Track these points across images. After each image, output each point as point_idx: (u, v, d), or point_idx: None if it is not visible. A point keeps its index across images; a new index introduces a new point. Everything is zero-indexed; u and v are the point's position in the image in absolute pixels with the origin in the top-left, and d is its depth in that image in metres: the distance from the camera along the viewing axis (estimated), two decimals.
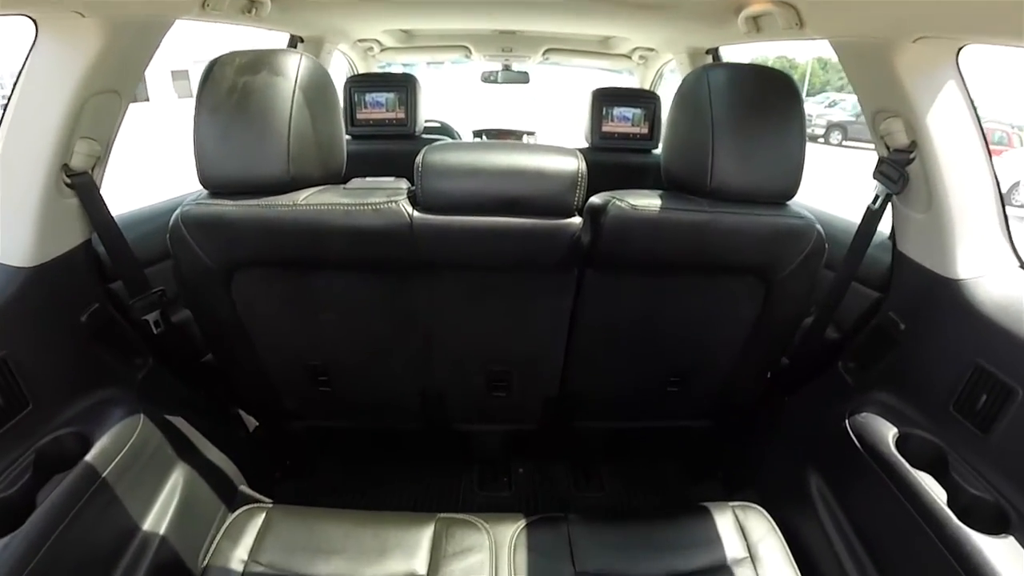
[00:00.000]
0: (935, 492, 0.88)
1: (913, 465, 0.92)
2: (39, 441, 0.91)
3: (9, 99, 0.89)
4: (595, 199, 0.99)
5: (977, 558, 0.77)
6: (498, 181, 0.92)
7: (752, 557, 0.99)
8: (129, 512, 0.96)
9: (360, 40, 2.33)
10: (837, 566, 1.01)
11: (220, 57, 0.91)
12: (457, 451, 1.62)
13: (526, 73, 2.86)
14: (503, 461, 1.63)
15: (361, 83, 1.99)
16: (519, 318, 1.11)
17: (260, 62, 0.89)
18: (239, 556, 0.97)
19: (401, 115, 2.00)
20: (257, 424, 1.49)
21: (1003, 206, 1.01)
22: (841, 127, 14.12)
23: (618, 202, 0.94)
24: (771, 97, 0.95)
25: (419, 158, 0.92)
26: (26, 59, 0.88)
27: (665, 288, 1.08)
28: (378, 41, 2.38)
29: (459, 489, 1.57)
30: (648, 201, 0.95)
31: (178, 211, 0.93)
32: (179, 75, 23.49)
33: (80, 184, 0.96)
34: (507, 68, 2.87)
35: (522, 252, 0.98)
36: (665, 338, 1.17)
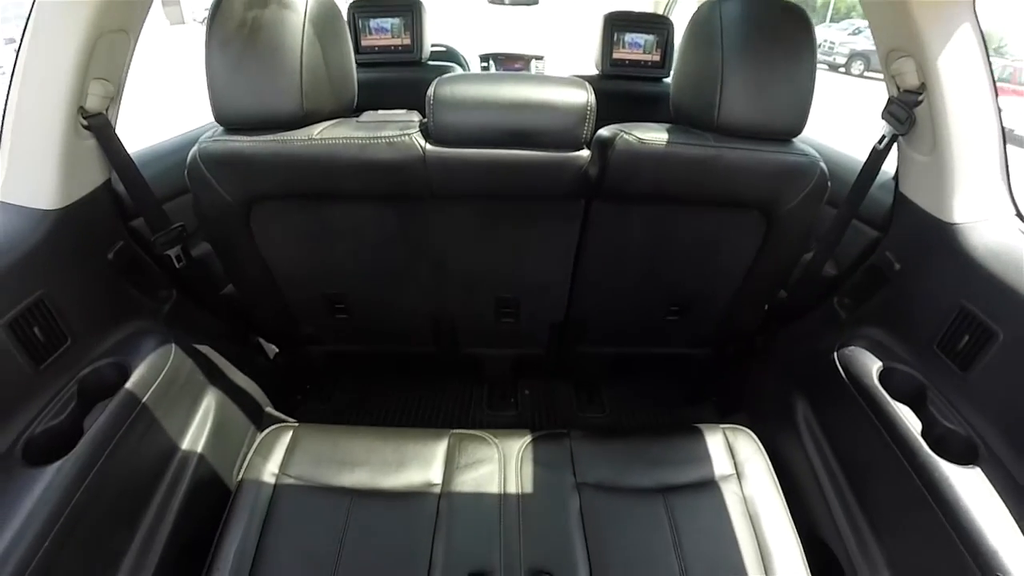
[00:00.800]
0: (912, 423, 0.93)
1: (894, 397, 0.98)
2: (80, 372, 0.97)
3: (20, 45, 0.89)
4: (603, 132, 1.00)
5: (944, 485, 0.83)
6: (508, 114, 0.94)
7: (738, 475, 1.08)
8: (168, 434, 1.04)
9: None
10: (816, 486, 1.10)
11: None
12: (468, 374, 1.71)
13: None
14: (511, 383, 1.72)
15: (365, 8, 1.91)
16: (527, 247, 1.16)
17: None
18: (270, 470, 1.06)
19: (407, 41, 1.94)
20: (277, 351, 1.58)
21: (1006, 154, 1.01)
22: (864, 56, 13.41)
23: (626, 136, 0.96)
24: (783, 32, 0.94)
25: (430, 91, 0.93)
26: (33, 3, 0.87)
27: (669, 220, 1.11)
28: None
29: (469, 409, 1.67)
30: (655, 135, 0.96)
31: (195, 148, 0.95)
32: (169, 1, 22.48)
33: (96, 125, 0.97)
34: None
35: (531, 184, 1.01)
36: (668, 267, 1.21)
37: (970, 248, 0.96)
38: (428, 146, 0.94)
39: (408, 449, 1.10)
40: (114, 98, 1.01)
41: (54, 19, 0.87)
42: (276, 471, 1.06)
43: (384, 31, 1.93)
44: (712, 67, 0.93)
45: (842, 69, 13.40)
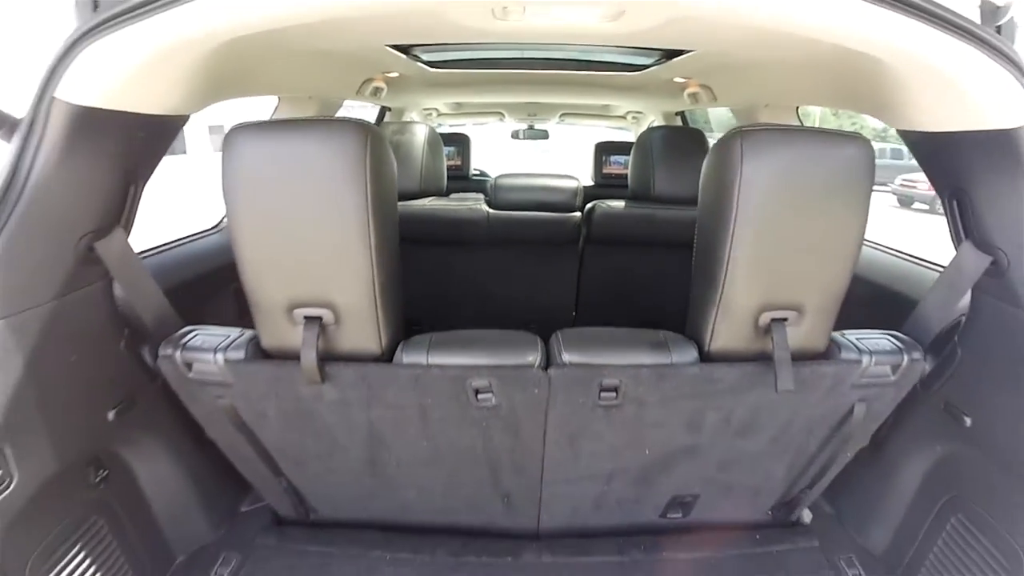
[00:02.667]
0: None
1: None
2: None
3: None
4: (590, 204, 1.78)
5: None
6: (534, 193, 1.72)
7: None
8: None
9: (424, 109, 3.21)
10: None
11: (381, 126, 1.73)
12: None
13: (545, 131, 3.71)
14: None
15: None
16: (543, 279, 1.87)
17: (404, 128, 1.72)
18: None
19: (458, 162, 2.84)
20: None
21: None
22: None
23: (602, 205, 1.74)
24: (686, 144, 1.72)
25: (492, 181, 1.73)
26: None
27: (638, 258, 1.82)
28: (436, 109, 3.26)
29: None
30: (619, 204, 1.73)
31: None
32: (215, 130, 24.75)
33: None
34: (531, 127, 3.72)
35: (547, 232, 1.76)
36: (643, 294, 1.88)
37: None
38: (490, 211, 1.72)
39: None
40: None
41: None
42: None
43: (447, 156, 2.85)
44: (648, 164, 1.71)
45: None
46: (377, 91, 2.05)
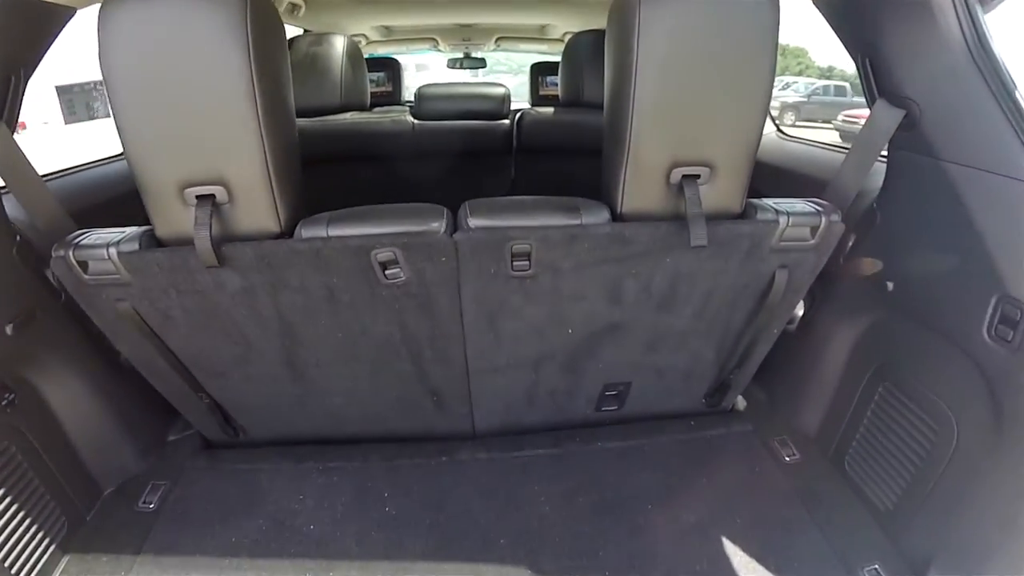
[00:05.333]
0: None
1: None
2: None
3: None
4: (520, 112, 1.70)
5: None
6: (460, 101, 1.64)
7: None
8: None
9: (352, 35, 3.00)
10: None
11: (295, 37, 1.59)
12: None
13: (483, 59, 3.55)
14: None
15: None
16: (475, 191, 1.80)
17: (320, 39, 1.58)
18: None
19: (389, 88, 2.68)
20: None
21: None
22: (795, 108, 15.09)
23: (531, 112, 1.68)
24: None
25: (416, 90, 1.63)
26: None
27: (570, 165, 1.77)
28: (365, 36, 3.05)
29: None
30: (548, 110, 1.66)
31: None
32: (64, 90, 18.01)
33: None
34: (467, 56, 3.56)
35: (476, 142, 1.69)
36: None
37: None
38: (415, 121, 1.62)
39: None
40: None
41: None
42: None
43: (372, 83, 2.67)
44: (577, 70, 1.64)
45: (777, 120, 14.89)
46: (294, 8, 1.89)
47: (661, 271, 1.01)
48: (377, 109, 1.74)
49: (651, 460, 1.28)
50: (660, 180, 0.93)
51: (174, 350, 1.06)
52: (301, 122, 1.60)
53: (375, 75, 2.65)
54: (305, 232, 0.92)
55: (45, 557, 1.03)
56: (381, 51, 3.62)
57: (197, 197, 0.85)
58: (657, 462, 1.28)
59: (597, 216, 0.97)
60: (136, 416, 1.26)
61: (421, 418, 1.27)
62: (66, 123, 15.03)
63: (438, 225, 0.94)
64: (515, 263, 0.95)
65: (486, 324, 1.05)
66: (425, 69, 7.12)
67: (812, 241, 1.00)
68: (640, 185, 0.94)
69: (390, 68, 2.66)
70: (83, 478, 1.17)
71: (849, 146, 1.42)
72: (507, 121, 1.70)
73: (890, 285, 1.06)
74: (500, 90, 1.69)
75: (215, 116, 0.80)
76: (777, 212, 0.98)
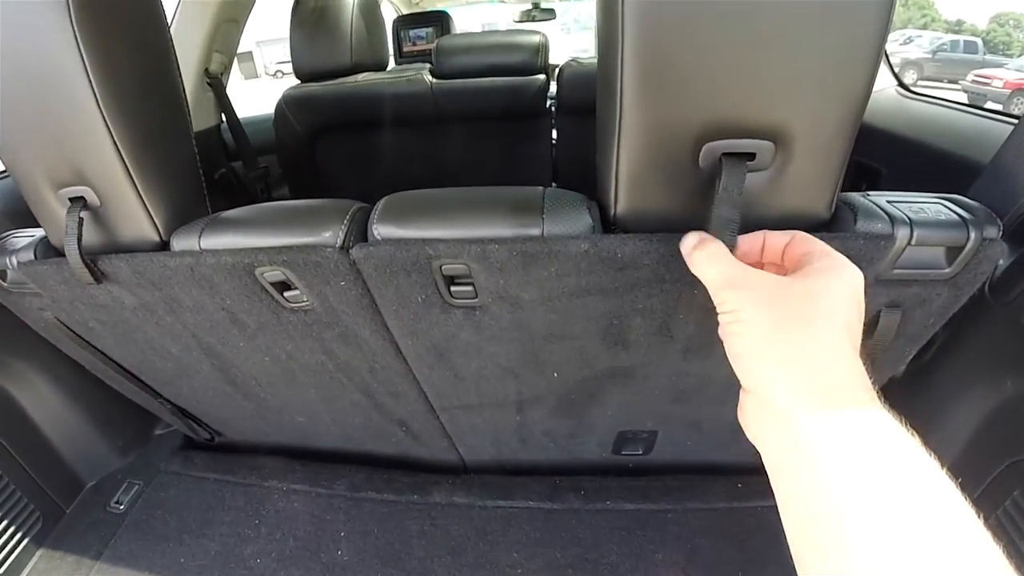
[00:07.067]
0: None
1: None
2: None
3: (171, 22, 1.35)
4: (560, 64, 1.37)
5: None
6: (484, 54, 1.33)
7: None
8: None
9: None
10: None
11: None
12: None
13: (552, 10, 3.17)
14: None
15: (404, 21, 2.40)
16: (510, 160, 1.51)
17: None
18: None
19: None
20: None
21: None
22: (917, 65, 13.25)
23: (572, 63, 1.34)
24: None
25: (435, 44, 1.33)
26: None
27: None
28: None
29: None
30: (593, 61, 1.32)
31: (281, 95, 1.38)
32: (244, 57, 23.78)
33: (215, 84, 1.42)
34: (536, 6, 3.19)
35: (506, 101, 1.39)
36: None
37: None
38: (434, 80, 1.34)
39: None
40: (227, 67, 1.46)
41: (195, 7, 1.33)
42: None
43: (421, 39, 2.40)
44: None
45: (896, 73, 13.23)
46: None
47: (686, 307, 0.64)
48: (394, 69, 1.47)
49: (673, 534, 0.97)
50: (682, 161, 0.52)
51: (115, 359, 0.92)
52: (311, 87, 1.36)
53: (422, 31, 2.38)
54: (177, 244, 0.69)
55: (19, 550, 1.04)
56: (440, 5, 3.34)
57: (70, 199, 0.66)
58: (681, 538, 0.96)
59: (571, 223, 0.59)
60: (116, 411, 1.21)
61: (396, 445, 1.06)
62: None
63: (331, 235, 0.64)
64: (453, 288, 0.63)
65: (435, 360, 0.77)
66: (494, 28, 6.76)
67: (947, 270, 0.60)
68: (645, 171, 0.53)
69: (438, 23, 2.37)
70: (61, 473, 1.16)
71: (1010, 113, 0.98)
72: (542, 76, 1.38)
73: None
74: (534, 38, 1.37)
75: (55, 107, 0.61)
76: (892, 220, 0.57)
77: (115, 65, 0.61)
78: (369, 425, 1.01)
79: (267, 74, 23.09)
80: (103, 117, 0.60)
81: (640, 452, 1.01)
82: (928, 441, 0.87)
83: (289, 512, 1.08)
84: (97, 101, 0.59)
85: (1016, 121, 0.71)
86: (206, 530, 1.07)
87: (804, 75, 0.46)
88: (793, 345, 0.37)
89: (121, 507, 1.13)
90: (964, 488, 0.78)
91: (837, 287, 0.39)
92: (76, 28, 0.56)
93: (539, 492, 1.05)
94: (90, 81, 0.58)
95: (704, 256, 0.44)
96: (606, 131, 0.54)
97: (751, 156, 0.50)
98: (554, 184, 1.59)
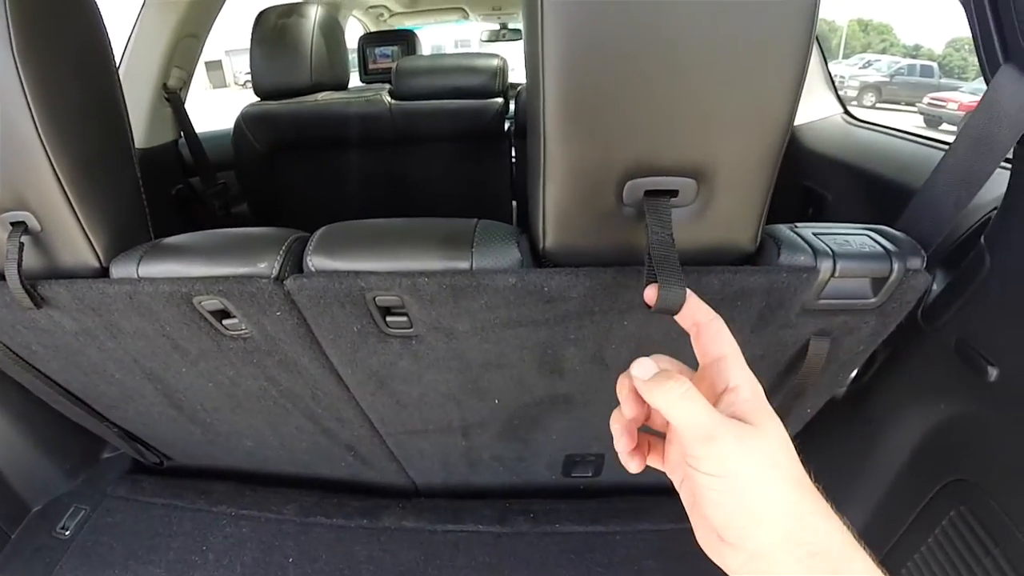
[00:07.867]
0: None
1: None
2: None
3: (128, 37, 1.36)
4: (519, 87, 1.42)
5: None
6: (443, 76, 1.36)
7: None
8: None
9: (370, 6, 2.76)
10: None
11: (265, 9, 1.37)
12: None
13: (520, 30, 3.25)
14: None
15: (371, 39, 2.43)
16: (471, 181, 1.55)
17: (291, 11, 1.35)
18: None
19: None
20: None
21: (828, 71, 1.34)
22: (875, 88, 13.83)
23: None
24: None
25: (395, 65, 1.37)
26: (140, 12, 1.35)
27: None
28: (386, 7, 2.81)
29: None
30: None
31: (240, 112, 1.39)
32: (213, 66, 23.18)
33: (173, 99, 1.43)
34: (505, 27, 3.26)
35: (464, 124, 1.42)
36: None
37: (805, 141, 1.25)
38: (393, 101, 1.37)
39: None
40: (187, 82, 1.47)
41: (153, 23, 1.34)
42: None
43: (386, 57, 2.43)
44: None
45: (855, 102, 13.77)
46: None
47: (617, 338, 0.67)
48: (354, 88, 1.50)
49: (621, 556, 1.00)
50: (607, 198, 0.54)
51: (59, 382, 0.91)
52: (270, 104, 1.38)
53: (388, 49, 2.42)
54: (116, 271, 0.70)
55: None
56: (409, 23, 3.39)
57: (11, 224, 0.67)
58: (629, 560, 0.99)
59: (500, 256, 0.62)
60: (62, 434, 1.18)
61: (346, 468, 1.07)
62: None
63: (265, 267, 0.67)
64: (388, 319, 0.67)
65: (376, 387, 0.80)
66: (467, 46, 6.85)
67: (873, 300, 0.63)
68: (571, 207, 0.56)
69: (404, 42, 2.41)
70: (6, 497, 1.13)
71: (947, 140, 1.05)
72: (500, 99, 1.43)
73: (993, 372, 0.68)
74: (493, 62, 1.42)
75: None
76: (816, 253, 0.60)
77: (55, 90, 0.62)
78: (317, 450, 1.01)
79: (236, 83, 22.85)
80: (42, 142, 0.61)
81: (590, 474, 1.03)
82: (869, 461, 0.90)
83: (237, 538, 1.07)
84: (36, 126, 0.60)
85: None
86: (152, 556, 1.05)
87: (723, 113, 0.49)
88: (789, 502, 0.35)
89: (67, 532, 1.11)
90: (905, 506, 0.80)
91: (782, 435, 0.37)
92: (15, 52, 0.58)
93: (489, 516, 1.07)
94: (29, 106, 0.59)
95: (674, 398, 0.36)
96: (533, 168, 0.58)
97: (674, 193, 0.53)
98: (514, 204, 1.62)
